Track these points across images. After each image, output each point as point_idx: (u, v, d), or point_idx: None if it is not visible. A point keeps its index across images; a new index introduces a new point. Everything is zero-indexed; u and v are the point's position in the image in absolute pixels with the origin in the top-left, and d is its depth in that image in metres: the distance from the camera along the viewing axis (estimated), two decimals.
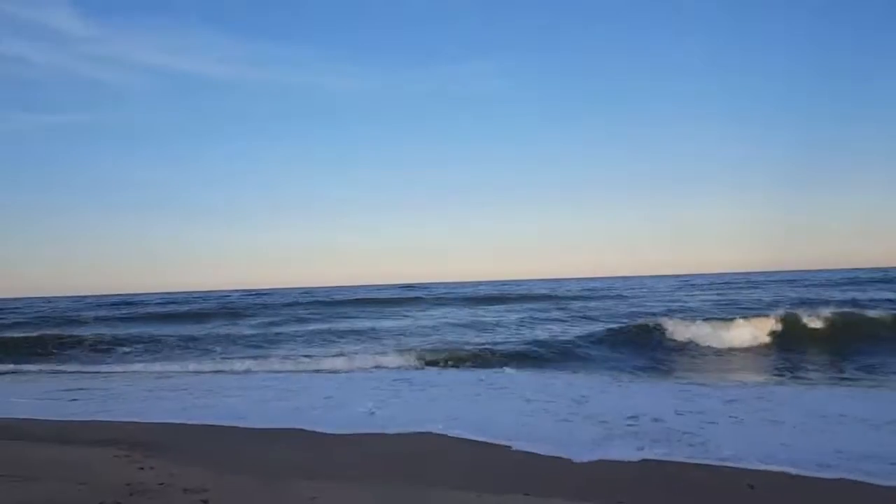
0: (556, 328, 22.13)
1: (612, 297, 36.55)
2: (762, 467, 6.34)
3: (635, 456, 6.90)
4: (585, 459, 6.79)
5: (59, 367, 17.76)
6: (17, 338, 23.58)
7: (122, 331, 26.06)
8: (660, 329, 18.51)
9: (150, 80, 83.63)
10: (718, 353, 16.69)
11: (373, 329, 23.83)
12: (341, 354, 17.16)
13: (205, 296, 63.49)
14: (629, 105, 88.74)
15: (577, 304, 31.77)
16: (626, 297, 37.16)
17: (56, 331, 25.72)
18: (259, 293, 65.40)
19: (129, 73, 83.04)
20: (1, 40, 75.12)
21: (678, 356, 16.50)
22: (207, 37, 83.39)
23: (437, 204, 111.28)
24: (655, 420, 8.57)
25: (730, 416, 8.75)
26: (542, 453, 7.06)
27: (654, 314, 21.99)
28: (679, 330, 18.20)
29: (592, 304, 31.84)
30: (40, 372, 16.94)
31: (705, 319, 19.05)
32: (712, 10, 75.18)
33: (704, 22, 78.51)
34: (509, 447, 7.39)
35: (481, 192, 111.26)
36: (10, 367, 17.64)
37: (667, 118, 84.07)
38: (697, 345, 17.38)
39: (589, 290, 45.31)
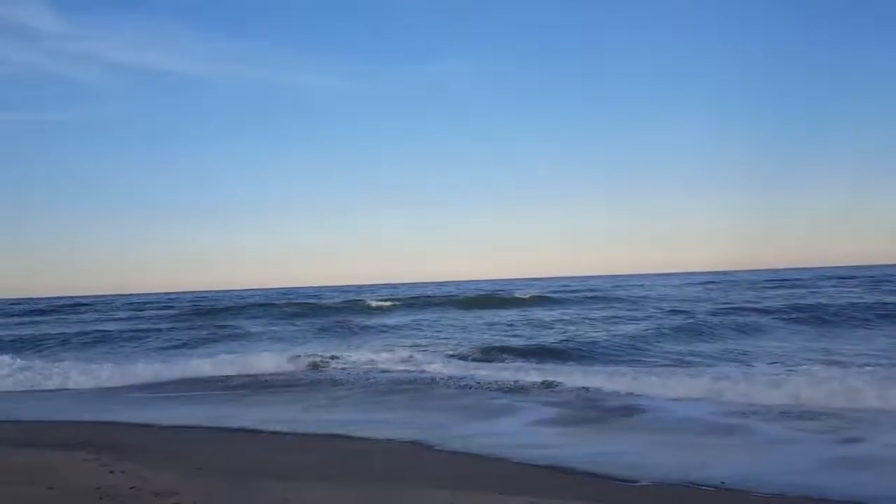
0: None
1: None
2: None
3: None
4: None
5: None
6: None
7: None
8: None
9: (125, 77, 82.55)
10: None
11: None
12: None
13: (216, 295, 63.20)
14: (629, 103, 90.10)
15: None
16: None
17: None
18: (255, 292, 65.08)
19: (103, 71, 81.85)
20: None
21: None
22: (181, 33, 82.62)
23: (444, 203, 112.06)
24: None
25: None
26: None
27: None
28: None
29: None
30: None
31: None
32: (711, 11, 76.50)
33: (703, 22, 79.88)
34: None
35: (479, 191, 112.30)
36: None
37: (682, 117, 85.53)
38: None
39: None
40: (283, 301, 40.17)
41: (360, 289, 74.54)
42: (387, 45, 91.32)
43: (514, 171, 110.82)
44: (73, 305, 50.30)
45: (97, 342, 22.93)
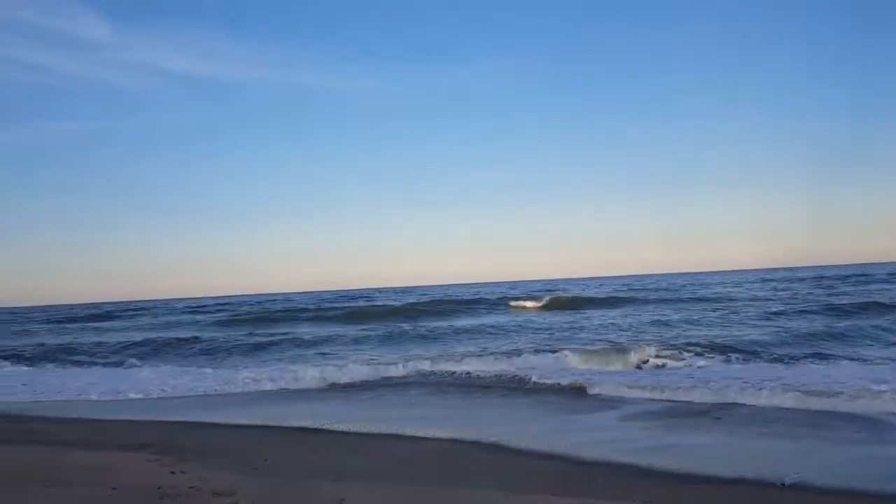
0: None
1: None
2: None
3: None
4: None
5: None
6: None
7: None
8: None
9: (171, 85, 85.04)
10: None
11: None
12: None
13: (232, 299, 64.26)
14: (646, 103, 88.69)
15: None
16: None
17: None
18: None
19: (151, 79, 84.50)
20: (27, 49, 76.76)
21: None
22: (223, 39, 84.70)
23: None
24: None
25: None
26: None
27: None
28: None
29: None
30: None
31: None
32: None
33: (720, 15, 78.08)
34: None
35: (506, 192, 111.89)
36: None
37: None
38: None
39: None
40: (351, 305, 40.78)
41: (400, 290, 75.03)
42: (411, 46, 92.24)
43: (539, 170, 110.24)
44: (136, 310, 51.86)
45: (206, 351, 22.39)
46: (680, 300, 34.98)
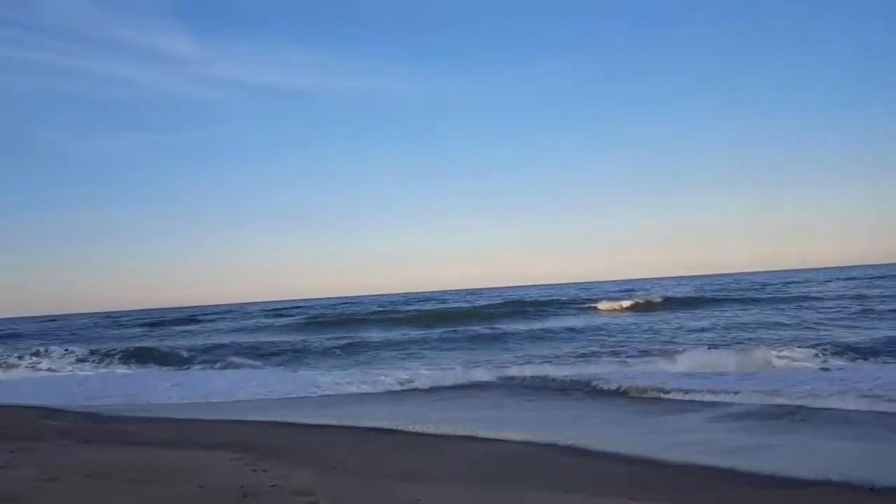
0: None
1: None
2: None
3: None
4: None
5: None
6: None
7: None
8: None
9: (253, 96, 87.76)
10: None
11: None
12: None
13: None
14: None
15: None
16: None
17: None
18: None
19: (232, 91, 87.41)
20: (119, 65, 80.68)
21: None
22: (295, 49, 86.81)
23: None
24: None
25: None
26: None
27: None
28: None
29: None
30: None
31: None
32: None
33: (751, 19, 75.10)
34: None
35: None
36: None
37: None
38: None
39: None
40: (421, 308, 41.12)
41: (468, 292, 74.88)
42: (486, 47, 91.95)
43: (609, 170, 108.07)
44: (217, 314, 53.65)
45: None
46: (764, 299, 33.82)
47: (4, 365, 22.17)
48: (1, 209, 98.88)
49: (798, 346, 15.52)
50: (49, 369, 21.58)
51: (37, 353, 24.27)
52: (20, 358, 23.47)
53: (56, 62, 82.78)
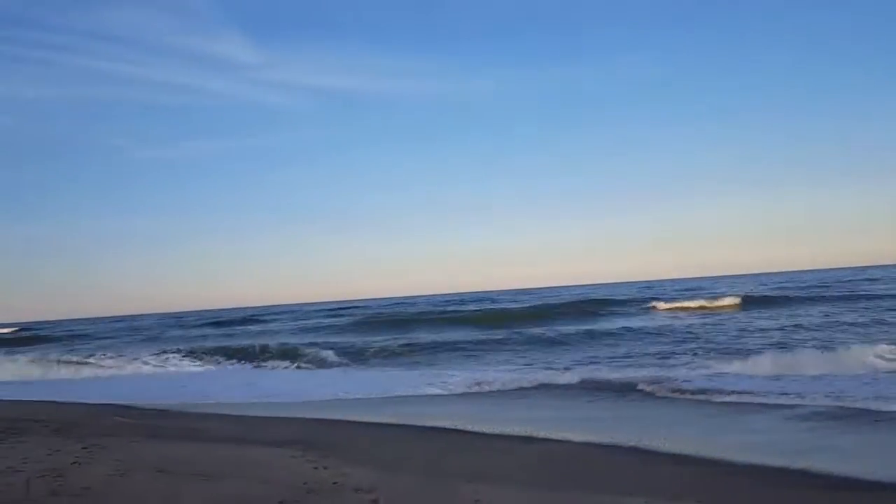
0: None
1: None
2: None
3: None
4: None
5: None
6: None
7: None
8: None
9: (313, 100, 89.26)
10: None
11: None
12: None
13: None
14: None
15: None
16: None
17: None
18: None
19: (297, 96, 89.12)
20: (181, 72, 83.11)
21: None
22: (363, 53, 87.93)
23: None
24: None
25: None
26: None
27: None
28: None
29: None
30: None
31: None
32: None
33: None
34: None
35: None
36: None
37: None
38: None
39: None
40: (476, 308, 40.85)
41: (520, 292, 74.32)
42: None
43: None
44: (277, 314, 54.65)
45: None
46: (837, 297, 32.57)
47: (109, 364, 22.75)
48: (71, 214, 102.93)
49: (879, 345, 14.84)
50: (154, 367, 22.22)
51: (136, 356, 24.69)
52: (134, 358, 23.86)
53: (124, 71, 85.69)
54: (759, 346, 17.40)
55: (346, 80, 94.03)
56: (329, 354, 22.23)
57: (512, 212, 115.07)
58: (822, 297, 33.74)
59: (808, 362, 13.51)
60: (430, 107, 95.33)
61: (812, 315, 25.66)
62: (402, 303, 63.03)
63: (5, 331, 58.21)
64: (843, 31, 78.11)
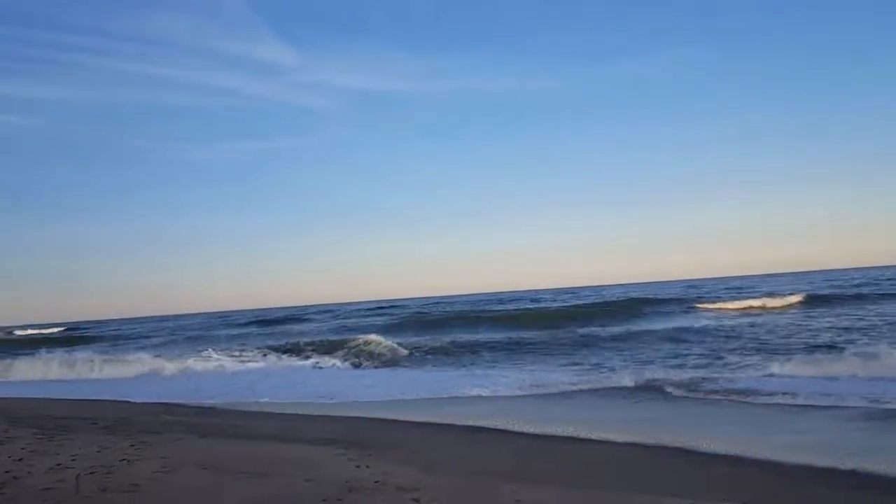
0: None
1: None
2: None
3: None
4: None
5: None
6: None
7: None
8: None
9: (350, 101, 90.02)
10: None
11: None
12: None
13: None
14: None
15: None
16: None
17: None
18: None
19: (333, 98, 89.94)
20: (222, 75, 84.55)
21: None
22: (394, 54, 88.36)
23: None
24: None
25: None
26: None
27: None
28: None
29: None
30: None
31: None
32: None
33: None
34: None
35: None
36: None
37: None
38: None
39: None
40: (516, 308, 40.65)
41: (563, 290, 73.66)
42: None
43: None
44: (322, 312, 55.17)
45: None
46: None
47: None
48: (117, 217, 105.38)
49: None
50: (202, 365, 22.51)
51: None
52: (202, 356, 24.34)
53: (168, 75, 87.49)
54: (808, 347, 17.00)
55: (382, 81, 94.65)
56: (375, 353, 22.41)
57: (555, 211, 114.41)
58: (874, 295, 32.71)
59: (857, 364, 13.15)
60: (467, 105, 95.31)
61: (863, 314, 24.94)
62: (441, 302, 63.08)
63: (53, 330, 59.92)
64: None
